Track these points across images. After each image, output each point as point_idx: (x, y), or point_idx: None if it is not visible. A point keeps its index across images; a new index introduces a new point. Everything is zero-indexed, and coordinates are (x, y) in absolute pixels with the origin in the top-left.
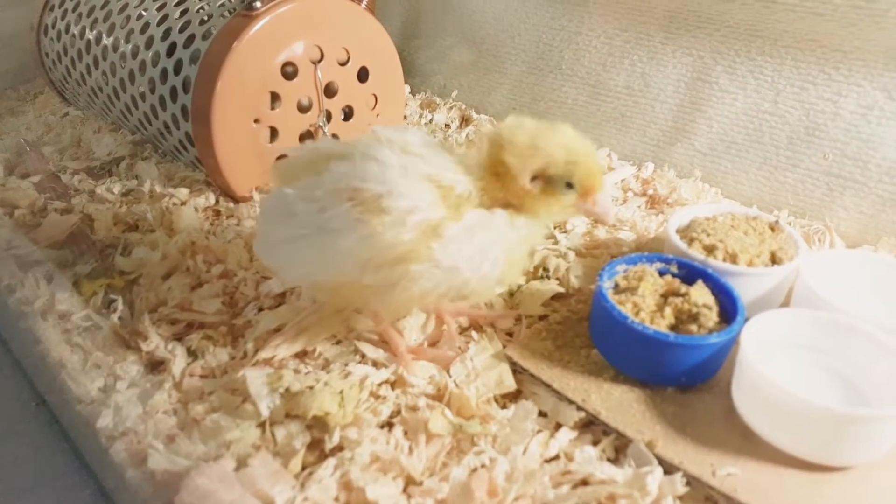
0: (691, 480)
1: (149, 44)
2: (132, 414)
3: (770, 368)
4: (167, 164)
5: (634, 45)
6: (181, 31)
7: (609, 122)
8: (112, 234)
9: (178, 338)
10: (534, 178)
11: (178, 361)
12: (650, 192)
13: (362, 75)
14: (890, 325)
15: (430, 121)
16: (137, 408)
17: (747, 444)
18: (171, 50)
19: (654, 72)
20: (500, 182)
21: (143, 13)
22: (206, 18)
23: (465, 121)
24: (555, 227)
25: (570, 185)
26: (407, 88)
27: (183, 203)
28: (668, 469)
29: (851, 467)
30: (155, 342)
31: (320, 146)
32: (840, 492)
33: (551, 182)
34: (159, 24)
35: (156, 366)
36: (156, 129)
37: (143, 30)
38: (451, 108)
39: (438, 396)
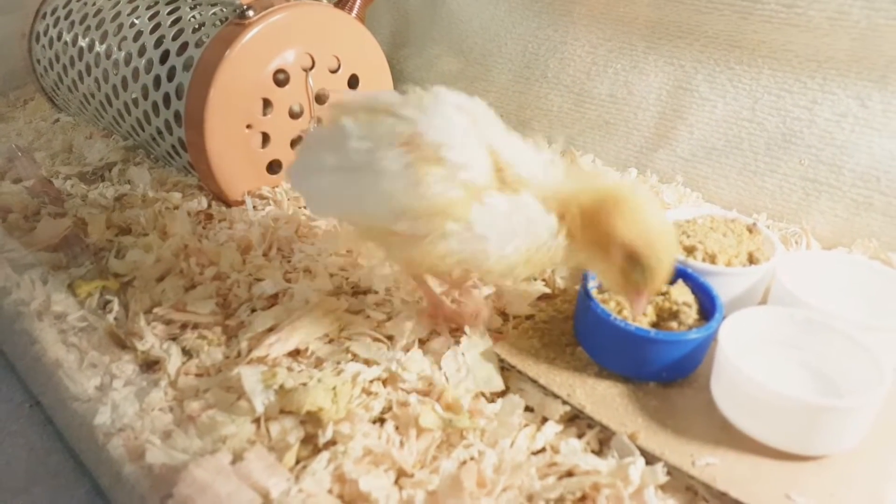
0: (672, 470)
1: (142, 51)
2: (129, 411)
3: (747, 363)
4: (159, 170)
5: (618, 54)
6: (174, 38)
7: (593, 129)
8: (105, 237)
9: (173, 338)
10: (627, 254)
11: (174, 360)
12: None
13: (352, 83)
14: (862, 322)
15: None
16: (134, 405)
17: (725, 435)
18: (164, 57)
19: (637, 80)
20: (586, 225)
21: (136, 21)
22: (198, 27)
23: None
24: None
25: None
26: None
27: (176, 207)
28: (650, 460)
29: (825, 456)
30: (150, 342)
31: (381, 97)
32: (814, 480)
33: (631, 265)
34: (152, 31)
35: (151, 365)
36: (148, 135)
37: (136, 37)
38: None
39: (428, 392)
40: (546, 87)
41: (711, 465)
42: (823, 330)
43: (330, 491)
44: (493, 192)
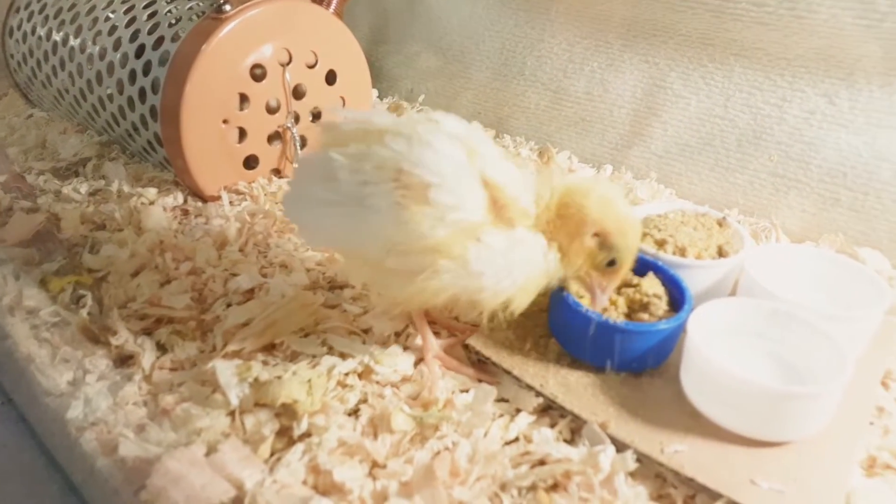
0: (642, 458)
1: (117, 45)
2: (102, 405)
3: (715, 352)
4: (135, 165)
5: (594, 52)
6: (150, 33)
7: (570, 126)
8: (79, 232)
9: (148, 332)
10: (596, 235)
11: (148, 355)
12: None
13: (330, 78)
14: (826, 312)
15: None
16: (107, 399)
17: (694, 423)
18: (139, 51)
19: (613, 78)
20: (560, 221)
21: (111, 15)
22: (174, 21)
23: None
24: None
25: (611, 263)
26: (375, 93)
27: (151, 202)
28: (621, 448)
29: (790, 442)
30: (124, 336)
31: (375, 118)
32: (778, 465)
33: (605, 248)
34: (127, 25)
35: (125, 360)
36: (123, 130)
37: (111, 32)
38: (418, 111)
39: (399, 385)
40: (524, 84)
41: (680, 452)
42: (789, 320)
43: (304, 482)
44: (489, 228)
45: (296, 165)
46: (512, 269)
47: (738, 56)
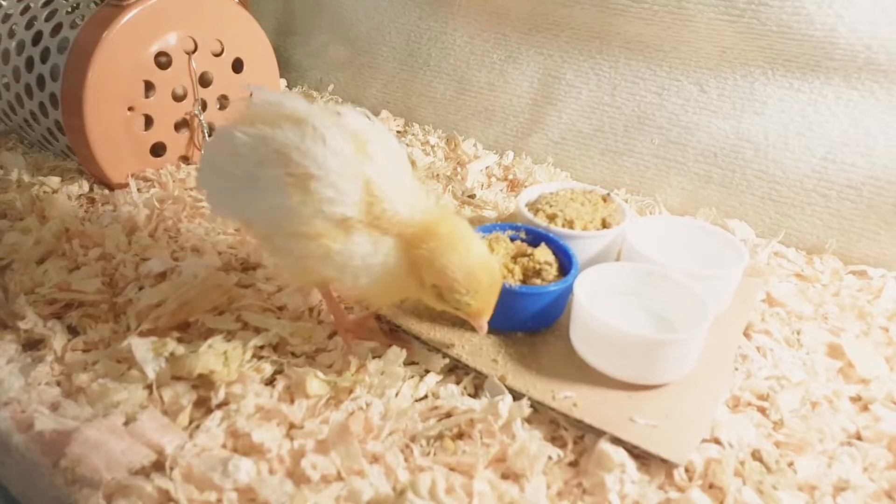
0: (536, 405)
1: (11, 33)
2: (14, 385)
3: (597, 310)
4: (35, 154)
5: (494, 45)
6: (47, 19)
7: (474, 115)
8: None
9: (58, 317)
10: (433, 286)
11: (59, 338)
12: (510, 177)
13: (237, 66)
14: (694, 272)
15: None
16: (19, 380)
17: (582, 374)
18: (37, 38)
19: (512, 69)
20: (412, 256)
21: (3, 3)
22: (72, 8)
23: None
24: None
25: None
26: (283, 83)
27: (55, 191)
28: (517, 397)
29: (663, 385)
30: (32, 321)
31: (287, 102)
32: (653, 404)
33: (444, 298)
34: (23, 13)
35: (35, 344)
36: (21, 119)
37: (5, 19)
38: (327, 101)
39: (315, 356)
40: (429, 75)
41: (569, 397)
42: (661, 280)
43: (224, 445)
44: (361, 229)
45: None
46: (370, 271)
47: (622, 48)
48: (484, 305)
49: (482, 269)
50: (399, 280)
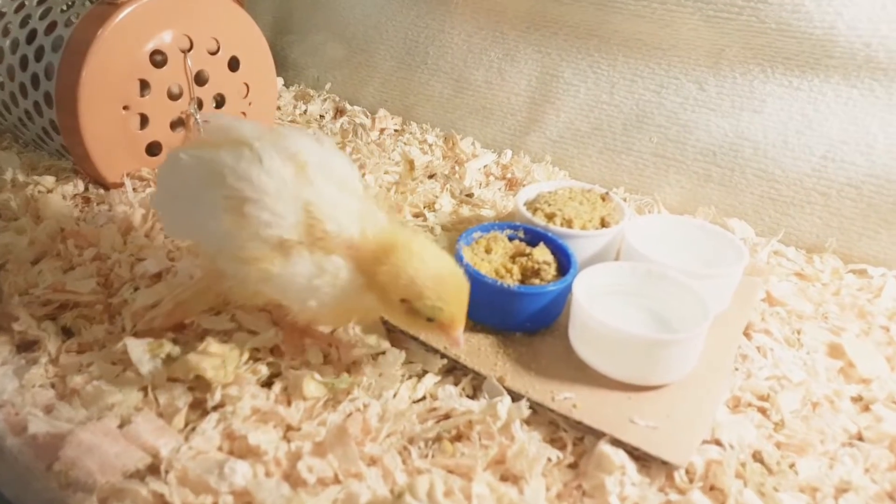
0: (535, 406)
1: (6, 32)
2: (8, 387)
3: (596, 310)
4: (30, 154)
5: (491, 42)
6: (42, 17)
7: (472, 114)
8: None
9: (52, 318)
10: (402, 301)
11: (53, 339)
12: (508, 175)
13: (233, 64)
14: (693, 271)
15: (305, 111)
16: (13, 382)
17: (581, 374)
18: (31, 37)
19: (510, 67)
20: (371, 279)
21: None
22: (67, 6)
23: (339, 112)
24: (424, 207)
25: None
26: (280, 81)
27: (49, 191)
28: (516, 399)
29: (663, 385)
30: (26, 322)
31: (238, 126)
32: (653, 405)
33: (414, 312)
34: (17, 10)
35: (29, 346)
36: (16, 118)
37: None
38: (325, 99)
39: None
40: (427, 73)
41: (568, 398)
42: (660, 279)
43: (220, 448)
44: (301, 250)
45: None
46: (316, 292)
47: (620, 46)
48: (457, 311)
49: (449, 273)
50: (351, 300)
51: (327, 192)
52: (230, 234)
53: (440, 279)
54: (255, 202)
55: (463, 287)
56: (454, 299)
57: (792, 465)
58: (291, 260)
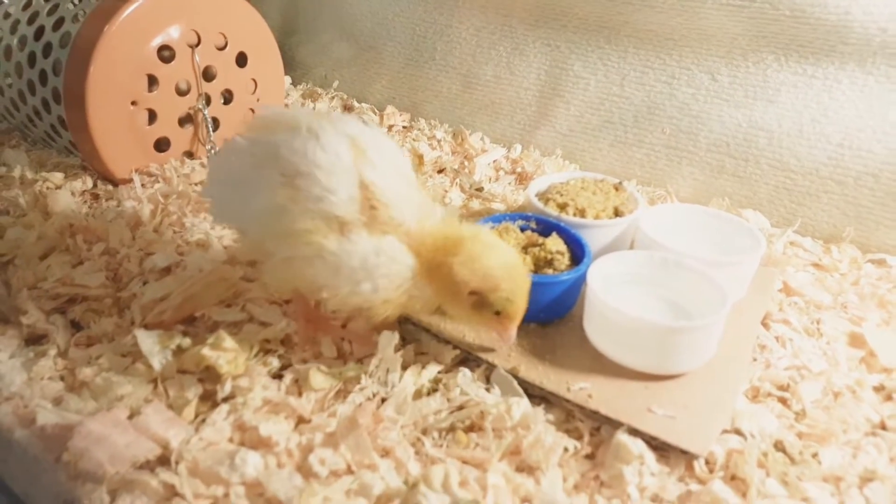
0: (550, 396)
1: (14, 28)
2: (16, 380)
3: (612, 298)
4: (38, 151)
5: (500, 37)
6: (49, 13)
7: (481, 109)
8: None
9: (61, 311)
10: (472, 293)
11: (62, 332)
12: (518, 170)
13: (241, 60)
14: (709, 259)
15: (313, 109)
16: (21, 375)
17: (597, 364)
18: (38, 33)
19: (519, 62)
20: (434, 268)
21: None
22: (75, 2)
23: (347, 109)
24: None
25: (498, 312)
26: (288, 80)
27: (58, 187)
28: (530, 389)
29: (680, 374)
30: (35, 316)
31: (288, 112)
32: (671, 394)
33: (485, 305)
34: (24, 8)
35: (37, 339)
36: (24, 116)
37: (6, 16)
38: (332, 97)
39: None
40: (435, 69)
41: (584, 388)
42: (676, 267)
43: (230, 439)
44: (359, 230)
45: (208, 147)
46: (372, 274)
47: (630, 37)
48: (523, 305)
49: (520, 267)
50: (406, 287)
51: (390, 177)
52: (284, 209)
53: (514, 272)
54: (306, 175)
55: (528, 282)
56: (523, 293)
57: (815, 455)
58: (348, 238)
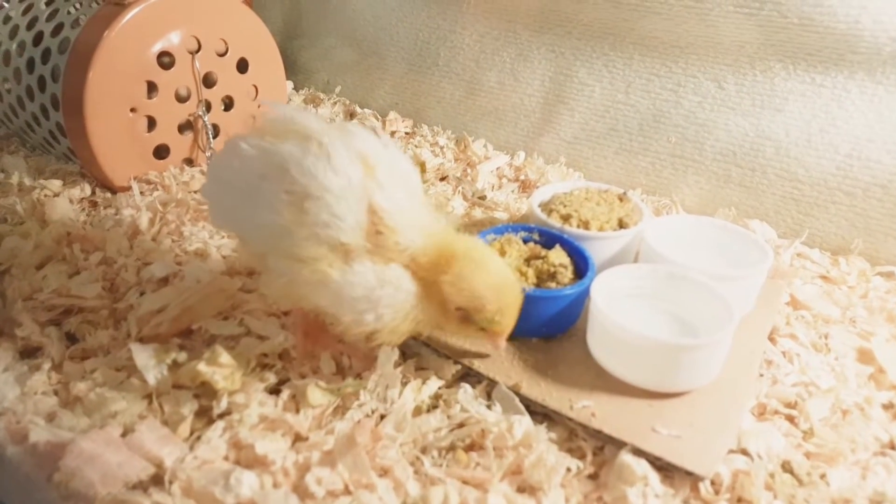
0: (553, 414)
1: (13, 34)
2: (9, 395)
3: (616, 314)
4: (36, 158)
5: (504, 43)
6: (48, 19)
7: (484, 116)
8: None
9: (56, 323)
10: (458, 309)
11: (57, 345)
12: (522, 177)
13: (241, 66)
14: (716, 273)
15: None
16: (14, 389)
17: (600, 381)
18: (37, 39)
19: (522, 68)
20: (428, 287)
21: (6, 3)
22: (75, 7)
23: (349, 115)
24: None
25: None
26: (290, 85)
27: (56, 194)
28: (533, 406)
29: (686, 392)
30: (29, 328)
31: (301, 117)
32: (676, 413)
33: (470, 321)
34: (24, 13)
35: (32, 352)
36: (23, 122)
37: (6, 20)
38: (335, 103)
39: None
40: (438, 75)
41: (587, 407)
42: (682, 281)
43: (226, 457)
44: (363, 258)
45: (208, 154)
46: (377, 305)
47: (636, 45)
48: (512, 322)
49: (508, 285)
50: (410, 314)
51: (399, 199)
52: (288, 231)
53: (501, 291)
54: (316, 199)
55: (519, 298)
56: (511, 311)
57: (823, 476)
58: (353, 268)
